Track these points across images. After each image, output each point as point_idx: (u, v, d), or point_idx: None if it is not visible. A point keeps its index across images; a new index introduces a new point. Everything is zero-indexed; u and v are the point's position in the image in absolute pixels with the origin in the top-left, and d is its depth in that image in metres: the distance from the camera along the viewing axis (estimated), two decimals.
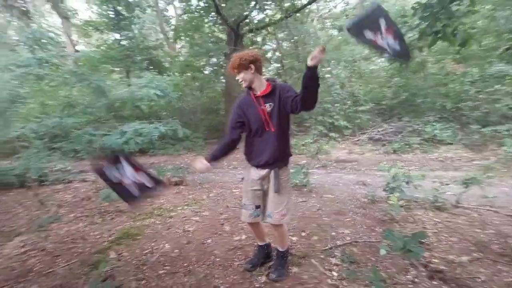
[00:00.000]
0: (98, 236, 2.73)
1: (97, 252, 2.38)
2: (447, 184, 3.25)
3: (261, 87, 1.75)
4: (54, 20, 17.19)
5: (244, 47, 10.82)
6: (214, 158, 1.79)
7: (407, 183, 3.13)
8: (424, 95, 8.79)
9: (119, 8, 10.34)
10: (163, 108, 10.84)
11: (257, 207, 1.87)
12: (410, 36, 2.11)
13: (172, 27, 15.74)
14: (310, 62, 1.41)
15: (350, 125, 9.12)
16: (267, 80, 1.79)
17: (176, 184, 4.73)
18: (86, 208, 3.64)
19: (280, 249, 1.96)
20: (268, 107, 1.73)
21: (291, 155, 1.87)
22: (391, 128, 8.28)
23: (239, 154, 6.55)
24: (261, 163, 1.77)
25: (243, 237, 2.58)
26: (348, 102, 9.60)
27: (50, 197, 4.12)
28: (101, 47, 11.33)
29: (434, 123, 8.01)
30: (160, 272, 2.04)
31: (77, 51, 11.22)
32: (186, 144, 9.67)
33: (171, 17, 18.30)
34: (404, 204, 3.23)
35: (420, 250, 1.83)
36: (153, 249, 2.39)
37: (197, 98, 11.55)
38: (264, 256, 2.07)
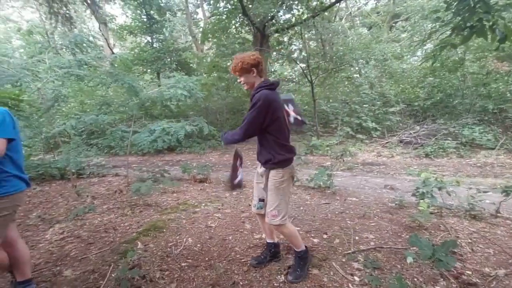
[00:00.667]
0: (127, 227, 2.90)
1: (126, 242, 2.53)
2: (485, 192, 3.00)
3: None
4: (93, 25, 18.52)
5: (270, 47, 10.86)
6: None
7: (439, 188, 2.94)
8: (462, 95, 8.18)
9: (152, 12, 10.88)
10: (190, 108, 11.21)
11: (261, 200, 1.95)
12: (443, 32, 1.97)
13: (201, 29, 16.22)
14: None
15: (379, 126, 8.75)
16: (258, 86, 1.73)
17: (201, 181, 4.87)
18: (118, 200, 3.87)
19: (296, 249, 1.94)
20: None
21: (286, 158, 1.78)
22: (424, 131, 7.82)
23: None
24: (259, 161, 1.88)
25: (263, 235, 2.58)
26: (378, 102, 9.22)
27: (86, 189, 4.44)
28: (135, 50, 11.98)
29: (472, 126, 7.44)
30: (183, 264, 2.12)
31: (113, 53, 11.98)
32: (211, 143, 9.92)
33: (199, 19, 18.88)
34: (435, 211, 3.05)
35: (451, 260, 1.72)
36: (177, 242, 2.49)
37: (223, 98, 11.79)
38: (271, 254, 2.09)
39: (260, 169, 1.90)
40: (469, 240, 2.42)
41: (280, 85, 1.88)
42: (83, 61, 4.33)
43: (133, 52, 11.41)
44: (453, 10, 1.69)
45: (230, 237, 2.59)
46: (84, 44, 4.82)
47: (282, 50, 12.34)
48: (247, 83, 1.77)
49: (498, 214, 2.93)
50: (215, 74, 12.15)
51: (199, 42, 15.16)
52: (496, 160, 6.32)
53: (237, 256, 2.25)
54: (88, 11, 15.91)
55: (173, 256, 2.24)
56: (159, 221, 2.98)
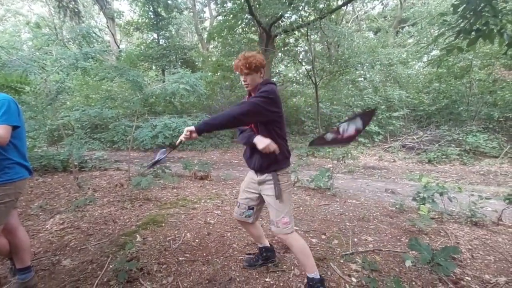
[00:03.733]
0: (127, 220, 2.91)
1: (125, 235, 2.54)
2: (488, 199, 2.97)
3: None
4: (100, 20, 18.65)
5: (275, 48, 10.87)
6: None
7: (440, 194, 2.92)
8: (467, 102, 8.13)
9: (159, 9, 10.93)
10: (194, 106, 11.24)
11: (250, 208, 1.81)
12: (449, 36, 1.95)
13: (207, 28, 16.27)
14: (259, 145, 1.50)
15: (382, 131, 8.72)
16: (267, 80, 1.68)
17: (201, 178, 4.88)
18: (118, 194, 3.89)
19: (307, 274, 1.67)
20: None
21: (287, 157, 1.66)
22: (427, 136, 7.77)
23: None
24: (255, 167, 1.67)
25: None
26: (382, 107, 9.18)
27: (87, 182, 4.47)
28: (141, 46, 12.04)
29: (477, 134, 7.38)
30: (181, 258, 2.13)
31: (119, 49, 12.06)
32: (213, 141, 9.93)
33: (206, 18, 18.95)
34: (435, 216, 3.03)
35: (450, 265, 1.71)
36: (175, 237, 2.49)
37: (226, 97, 11.80)
38: (264, 258, 2.01)
39: (258, 177, 1.69)
40: (470, 247, 2.40)
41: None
42: (89, 54, 4.36)
43: (139, 48, 11.47)
44: (460, 13, 1.67)
45: (229, 234, 2.59)
46: (92, 37, 4.85)
47: (288, 51, 12.34)
48: (252, 83, 1.62)
49: (500, 222, 2.90)
50: (219, 73, 12.18)
51: (205, 41, 15.21)
52: (499, 169, 6.27)
53: (235, 253, 2.25)
54: (96, 7, 16.04)
55: (171, 250, 2.25)
56: (158, 215, 2.98)
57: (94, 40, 5.01)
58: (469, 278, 1.91)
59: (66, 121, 3.93)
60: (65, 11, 8.37)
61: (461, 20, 1.71)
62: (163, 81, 7.93)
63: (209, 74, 10.61)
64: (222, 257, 2.16)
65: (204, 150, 9.21)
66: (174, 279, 1.87)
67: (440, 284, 1.83)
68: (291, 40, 12.46)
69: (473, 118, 7.81)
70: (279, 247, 2.29)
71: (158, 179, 4.13)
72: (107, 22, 13.36)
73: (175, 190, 4.09)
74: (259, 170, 1.67)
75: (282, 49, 12.17)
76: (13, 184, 1.65)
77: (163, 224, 2.76)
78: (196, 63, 13.37)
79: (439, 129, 7.99)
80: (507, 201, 2.79)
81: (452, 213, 3.11)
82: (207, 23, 18.17)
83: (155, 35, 11.80)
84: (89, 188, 4.15)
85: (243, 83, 1.65)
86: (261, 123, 1.59)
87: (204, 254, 2.21)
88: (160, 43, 11.38)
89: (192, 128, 1.43)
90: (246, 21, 10.65)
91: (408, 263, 2.04)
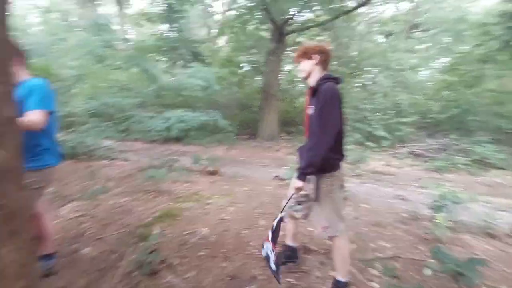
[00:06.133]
0: (142, 212, 2.91)
1: (142, 226, 2.54)
2: (502, 210, 2.97)
3: (313, 83, 1.61)
4: (110, 8, 18.52)
5: (286, 46, 10.81)
6: None
7: (456, 203, 2.92)
8: (477, 112, 8.10)
9: (172, 1, 10.83)
10: (199, 100, 11.21)
11: (299, 203, 1.82)
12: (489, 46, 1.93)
13: (217, 22, 16.17)
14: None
15: (390, 136, 8.69)
16: (324, 77, 1.59)
17: (211, 173, 4.88)
18: (130, 184, 3.89)
19: (336, 277, 1.71)
20: (310, 110, 1.59)
21: (335, 162, 1.63)
22: (436, 144, 7.75)
23: (271, 152, 6.61)
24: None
25: (280, 233, 2.58)
26: (391, 112, 9.15)
27: (99, 171, 4.46)
28: (152, 37, 11.95)
29: (485, 144, 7.36)
30: (200, 253, 2.13)
31: (127, 40, 11.99)
32: (218, 137, 9.90)
33: (216, 12, 18.80)
34: (450, 225, 3.02)
35: (476, 276, 1.71)
36: (192, 231, 2.49)
37: (233, 93, 11.73)
38: (286, 257, 2.03)
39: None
40: (486, 257, 2.40)
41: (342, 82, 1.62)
42: (106, 43, 4.35)
43: (150, 40, 11.40)
44: (504, 25, 1.66)
45: (245, 232, 2.59)
46: (108, 25, 4.82)
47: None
48: (303, 70, 1.65)
49: None
50: (228, 69, 12.13)
51: (215, 35, 15.12)
52: (505, 180, 6.26)
53: (254, 251, 2.25)
54: None
55: (190, 245, 2.25)
56: (173, 208, 2.98)
57: (108, 29, 4.99)
58: None
59: (84, 109, 3.91)
60: None
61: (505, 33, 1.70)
62: (174, 74, 7.89)
63: (217, 69, 10.58)
64: (241, 254, 2.16)
65: (209, 145, 9.18)
66: (198, 274, 1.87)
67: None
68: (302, 39, 12.41)
69: (482, 128, 7.78)
70: (299, 247, 2.29)
71: (170, 171, 4.12)
72: (118, 11, 13.28)
73: (186, 184, 4.08)
74: None
75: (293, 48, 12.12)
76: (44, 171, 1.64)
77: (179, 218, 2.76)
78: (204, 58, 13.30)
79: (447, 137, 7.96)
80: None
81: (466, 222, 3.11)
82: (217, 18, 18.05)
83: (166, 27, 11.70)
84: (99, 178, 4.14)
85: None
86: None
87: (223, 250, 2.21)
88: (171, 35, 11.30)
89: (300, 184, 1.55)
90: (260, 17, 10.57)
91: (428, 272, 2.04)
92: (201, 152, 8.06)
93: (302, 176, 1.57)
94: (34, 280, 1.06)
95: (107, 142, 6.69)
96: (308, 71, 1.64)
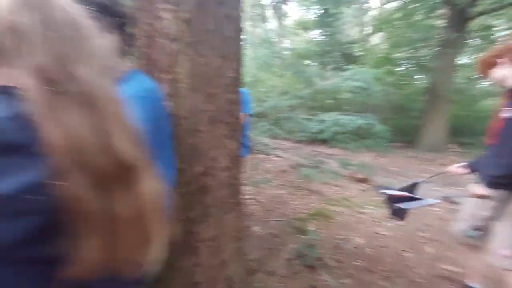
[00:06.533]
0: (297, 206, 3.17)
1: (297, 219, 2.76)
2: None
3: None
4: (271, 23, 21.29)
5: (470, 33, 8.51)
6: None
7: None
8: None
9: (328, 7, 11.05)
10: (350, 102, 10.80)
11: (476, 228, 1.48)
12: None
13: (372, 19, 15.02)
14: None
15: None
16: None
17: (360, 181, 4.62)
18: (284, 179, 4.33)
19: None
20: (507, 112, 1.29)
21: None
22: None
23: (433, 166, 5.43)
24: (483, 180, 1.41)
25: (455, 269, 2.08)
26: None
27: (259, 163, 5.26)
28: (308, 44, 12.75)
29: None
30: (356, 263, 2.06)
31: (287, 48, 13.33)
32: (367, 142, 9.19)
33: (372, 8, 17.47)
34: None
35: None
36: (346, 238, 2.45)
37: (388, 94, 10.49)
38: None
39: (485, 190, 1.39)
40: None
41: None
42: (275, 53, 5.04)
43: (306, 47, 12.19)
44: None
45: (406, 254, 2.26)
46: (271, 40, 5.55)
47: (487, 37, 9.33)
48: (495, 77, 1.40)
49: None
50: (383, 68, 10.97)
51: (369, 33, 14.11)
52: None
53: (419, 280, 1.93)
54: (270, 11, 18.42)
55: (344, 251, 2.22)
56: (325, 209, 3.05)
57: (273, 42, 5.72)
58: None
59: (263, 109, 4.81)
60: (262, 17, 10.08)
61: None
62: (327, 78, 8.02)
63: (372, 69, 9.78)
64: (404, 279, 1.91)
65: (356, 150, 8.69)
66: (353, 283, 1.82)
67: None
68: (495, 21, 9.31)
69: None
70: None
71: (321, 173, 4.24)
72: (278, 24, 15.04)
73: (335, 188, 4.08)
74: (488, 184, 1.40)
75: (479, 34, 9.34)
76: None
77: (331, 220, 2.79)
78: (357, 58, 12.68)
79: None
80: None
81: None
82: (371, 14, 16.75)
83: (319, 32, 12.10)
84: (261, 169, 4.87)
85: None
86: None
87: (381, 268, 2.03)
88: (325, 39, 11.57)
89: (488, 192, 1.35)
90: (431, 2, 8.87)
91: None
92: (347, 157, 7.80)
93: (493, 184, 1.31)
94: (244, 244, 1.37)
95: (265, 140, 7.77)
96: (500, 76, 1.38)
